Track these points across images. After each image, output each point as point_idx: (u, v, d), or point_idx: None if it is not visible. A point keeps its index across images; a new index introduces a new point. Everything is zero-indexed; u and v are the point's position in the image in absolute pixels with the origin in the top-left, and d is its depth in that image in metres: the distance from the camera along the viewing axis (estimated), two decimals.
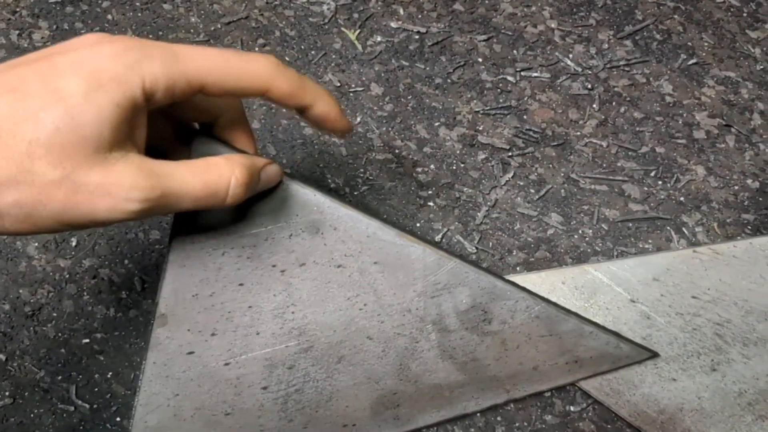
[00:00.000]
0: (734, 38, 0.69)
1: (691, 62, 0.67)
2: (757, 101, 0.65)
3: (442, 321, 0.47)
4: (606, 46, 0.68)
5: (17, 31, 0.65)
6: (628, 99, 0.65)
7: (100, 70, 0.31)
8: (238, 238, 0.42)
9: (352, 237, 0.43)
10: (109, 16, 0.67)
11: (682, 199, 0.59)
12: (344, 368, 0.46)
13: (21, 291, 0.52)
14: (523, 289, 0.48)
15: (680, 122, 0.63)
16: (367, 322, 0.45)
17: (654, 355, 0.51)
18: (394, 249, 0.44)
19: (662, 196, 0.59)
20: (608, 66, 0.66)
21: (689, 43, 0.68)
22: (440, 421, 0.49)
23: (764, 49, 0.68)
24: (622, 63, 0.67)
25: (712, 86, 0.66)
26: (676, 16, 0.70)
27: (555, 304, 0.49)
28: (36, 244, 0.54)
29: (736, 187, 0.60)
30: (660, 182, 0.60)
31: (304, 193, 0.42)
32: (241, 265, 0.42)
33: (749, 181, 0.60)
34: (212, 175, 0.35)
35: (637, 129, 0.63)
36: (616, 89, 0.65)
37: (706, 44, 0.68)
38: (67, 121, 0.30)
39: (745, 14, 0.70)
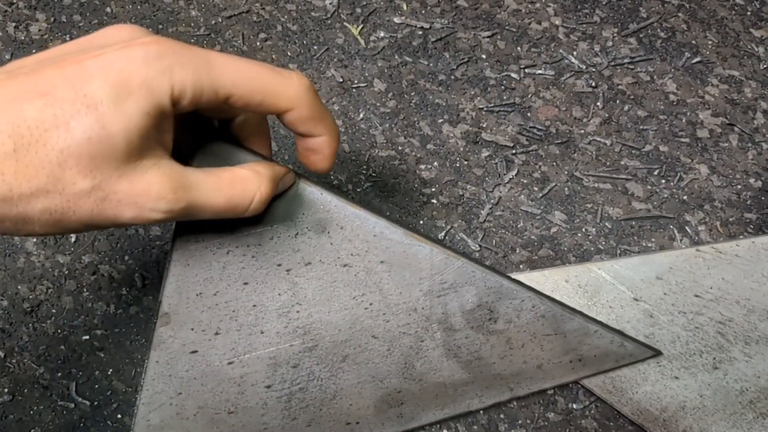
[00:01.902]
0: (738, 37, 0.68)
1: (695, 61, 0.67)
2: (760, 100, 0.64)
3: (448, 320, 0.47)
4: (610, 43, 0.67)
5: (14, 24, 0.65)
6: (632, 97, 0.64)
7: (130, 76, 0.30)
8: (243, 236, 0.41)
9: (359, 236, 0.43)
10: (108, 9, 0.66)
11: (685, 197, 0.59)
12: (349, 367, 0.46)
13: (20, 287, 0.52)
14: (530, 288, 0.48)
15: (684, 121, 0.63)
16: (372, 321, 0.45)
17: (657, 353, 0.51)
18: (401, 248, 0.44)
19: (665, 195, 0.59)
20: (612, 64, 0.66)
21: (693, 42, 0.68)
22: (443, 419, 0.49)
23: (767, 48, 0.68)
24: (626, 61, 0.66)
25: (716, 85, 0.66)
26: (680, 14, 0.70)
27: (560, 303, 0.49)
28: (34, 239, 0.53)
29: (739, 186, 0.60)
30: (663, 181, 0.60)
31: (310, 192, 0.41)
32: (246, 264, 0.42)
33: (752, 180, 0.60)
34: (237, 190, 0.35)
35: (641, 127, 0.63)
36: (620, 87, 0.65)
37: (710, 43, 0.68)
38: (97, 130, 0.29)
39: (749, 13, 0.70)
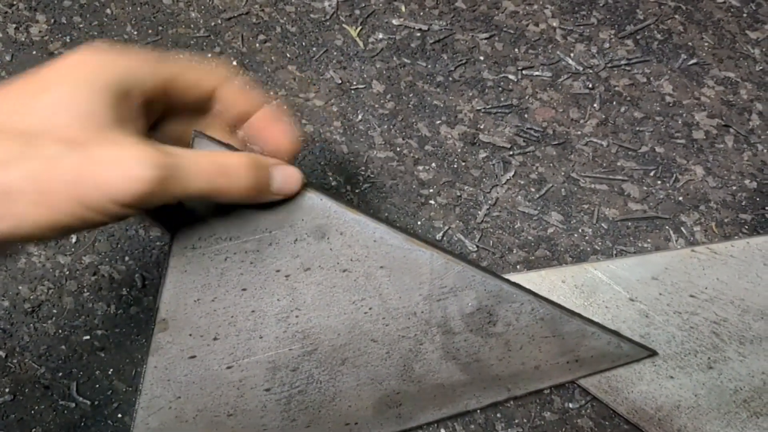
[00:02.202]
0: (734, 39, 0.69)
1: (691, 62, 0.67)
2: (755, 102, 0.65)
3: (447, 323, 0.47)
4: (607, 45, 0.68)
5: (14, 25, 0.65)
6: (628, 98, 0.65)
7: (82, 63, 0.33)
8: (241, 243, 0.41)
9: (359, 242, 0.43)
10: (108, 11, 0.67)
11: (680, 198, 0.60)
12: (348, 370, 0.46)
13: (20, 287, 0.52)
14: (529, 291, 0.48)
15: (680, 122, 0.64)
16: (371, 326, 0.45)
17: (652, 353, 0.51)
18: (401, 253, 0.44)
19: (661, 196, 0.60)
20: (609, 65, 0.66)
21: (690, 43, 0.69)
22: (441, 419, 0.50)
23: (764, 49, 0.68)
24: (623, 62, 0.67)
25: (712, 86, 0.66)
26: (676, 16, 0.70)
27: (559, 306, 0.49)
28: None
29: (734, 188, 0.60)
30: (659, 182, 0.60)
31: (309, 198, 0.41)
32: (245, 270, 0.42)
33: (747, 182, 0.61)
34: (221, 157, 0.36)
35: (637, 129, 0.63)
36: (616, 89, 0.65)
37: (706, 44, 0.68)
38: (64, 104, 0.31)
39: (745, 15, 0.70)
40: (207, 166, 0.34)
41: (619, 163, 0.61)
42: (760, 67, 0.67)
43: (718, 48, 0.68)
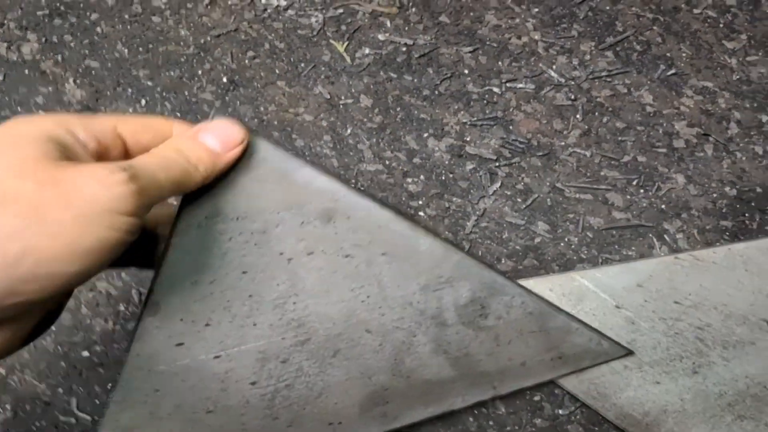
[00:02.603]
0: (711, 49, 0.71)
1: (670, 72, 0.69)
2: (733, 110, 0.67)
3: (441, 315, 0.47)
4: (588, 57, 0.69)
5: (6, 44, 0.66)
6: (610, 109, 0.66)
7: (9, 126, 0.33)
8: (248, 223, 0.40)
9: (364, 227, 0.42)
10: (98, 29, 0.67)
11: (663, 206, 0.61)
12: (339, 362, 0.46)
13: None
14: (520, 285, 0.49)
15: (660, 132, 0.65)
16: (368, 315, 0.45)
17: (629, 353, 0.53)
18: (404, 241, 0.44)
19: (644, 204, 0.61)
20: (590, 77, 0.68)
21: (668, 54, 0.70)
22: (426, 419, 0.50)
23: (740, 59, 0.70)
24: (603, 74, 0.68)
25: (691, 96, 0.68)
26: (655, 27, 0.72)
27: (547, 302, 0.50)
28: None
29: (715, 195, 0.62)
30: (642, 190, 0.62)
31: (320, 180, 0.41)
32: (248, 252, 0.41)
33: (727, 189, 0.63)
34: (167, 147, 0.36)
35: (619, 138, 0.65)
36: (598, 100, 0.67)
37: (684, 55, 0.70)
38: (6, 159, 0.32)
39: (721, 25, 0.72)
40: (162, 158, 0.35)
41: (602, 173, 0.63)
42: (737, 77, 0.69)
43: (695, 58, 0.70)
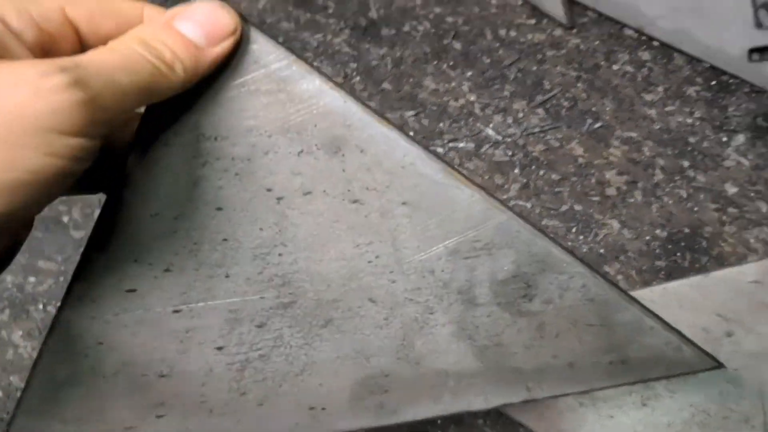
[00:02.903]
0: (632, 101, 0.77)
1: (597, 126, 0.74)
2: (657, 158, 0.72)
3: (471, 290, 0.37)
4: (521, 114, 0.74)
5: None
6: (545, 162, 0.71)
7: None
8: (229, 146, 0.32)
9: (382, 165, 0.33)
10: None
11: (601, 251, 0.66)
12: (329, 335, 0.36)
13: (11, 378, 0.53)
14: (583, 262, 0.37)
15: (593, 181, 0.70)
16: (373, 280, 0.35)
17: (719, 365, 0.42)
18: (434, 189, 0.34)
19: (584, 250, 0.65)
20: (525, 133, 0.73)
21: (593, 109, 0.76)
22: (434, 417, 0.40)
23: (659, 110, 0.76)
24: (537, 130, 0.73)
25: (618, 146, 0.73)
26: (579, 85, 0.77)
27: (617, 287, 0.38)
28: (20, 332, 0.55)
29: (648, 237, 0.67)
30: (581, 237, 0.66)
31: (330, 96, 0.32)
32: (226, 183, 0.33)
33: (658, 231, 0.67)
34: (131, 38, 0.28)
35: (556, 190, 0.69)
36: (534, 154, 0.72)
37: (608, 108, 0.76)
38: None
39: (639, 79, 0.78)
40: (125, 54, 0.27)
41: (543, 222, 0.67)
42: (658, 126, 0.75)
43: (619, 111, 0.76)
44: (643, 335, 0.39)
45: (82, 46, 0.29)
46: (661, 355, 0.39)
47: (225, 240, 0.34)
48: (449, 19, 0.78)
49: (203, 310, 0.35)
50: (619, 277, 0.64)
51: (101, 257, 0.33)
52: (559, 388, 0.40)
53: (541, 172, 0.70)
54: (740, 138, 0.72)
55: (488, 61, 0.77)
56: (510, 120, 0.74)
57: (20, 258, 0.66)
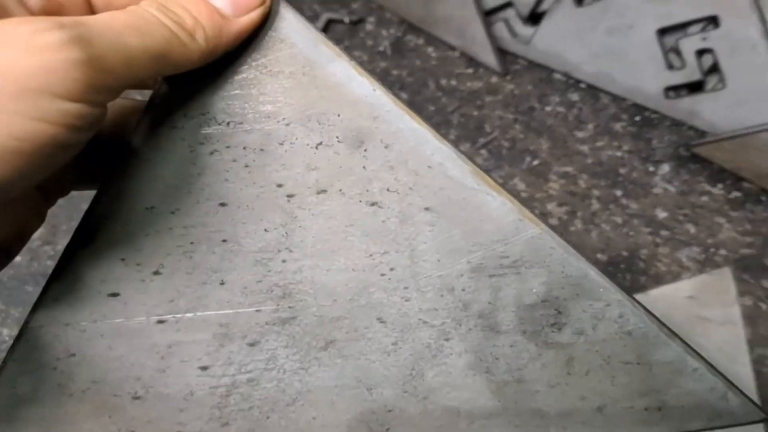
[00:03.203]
0: (566, 139, 0.83)
1: (535, 163, 0.80)
2: (593, 189, 0.78)
3: (494, 315, 0.32)
4: (466, 156, 0.80)
5: None
6: None
7: None
8: (243, 132, 0.29)
9: (407, 163, 0.30)
10: None
11: None
12: (330, 359, 0.32)
13: None
14: (620, 288, 0.33)
15: (537, 212, 0.75)
16: (385, 296, 0.31)
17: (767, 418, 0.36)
18: (461, 194, 0.31)
19: None
20: None
21: (531, 147, 0.82)
22: None
23: (590, 145, 0.82)
24: (482, 169, 0.79)
25: (556, 180, 0.79)
26: (517, 126, 0.84)
27: (658, 320, 0.33)
28: None
29: (590, 263, 0.72)
30: None
31: (359, 83, 0.29)
32: (233, 176, 0.30)
33: (599, 255, 0.73)
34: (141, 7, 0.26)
35: None
36: None
37: (544, 146, 0.82)
38: None
39: (570, 118, 0.85)
40: (137, 16, 0.25)
41: None
42: (591, 160, 0.81)
43: (554, 148, 0.82)
44: (685, 378, 0.34)
45: (92, 13, 0.27)
46: (704, 402, 0.34)
47: (224, 241, 0.30)
48: (395, 72, 0.84)
49: (191, 321, 0.31)
50: None
51: (84, 254, 0.30)
52: None
53: None
54: (665, 167, 0.79)
55: (433, 108, 0.83)
56: None
57: (15, 313, 0.67)
